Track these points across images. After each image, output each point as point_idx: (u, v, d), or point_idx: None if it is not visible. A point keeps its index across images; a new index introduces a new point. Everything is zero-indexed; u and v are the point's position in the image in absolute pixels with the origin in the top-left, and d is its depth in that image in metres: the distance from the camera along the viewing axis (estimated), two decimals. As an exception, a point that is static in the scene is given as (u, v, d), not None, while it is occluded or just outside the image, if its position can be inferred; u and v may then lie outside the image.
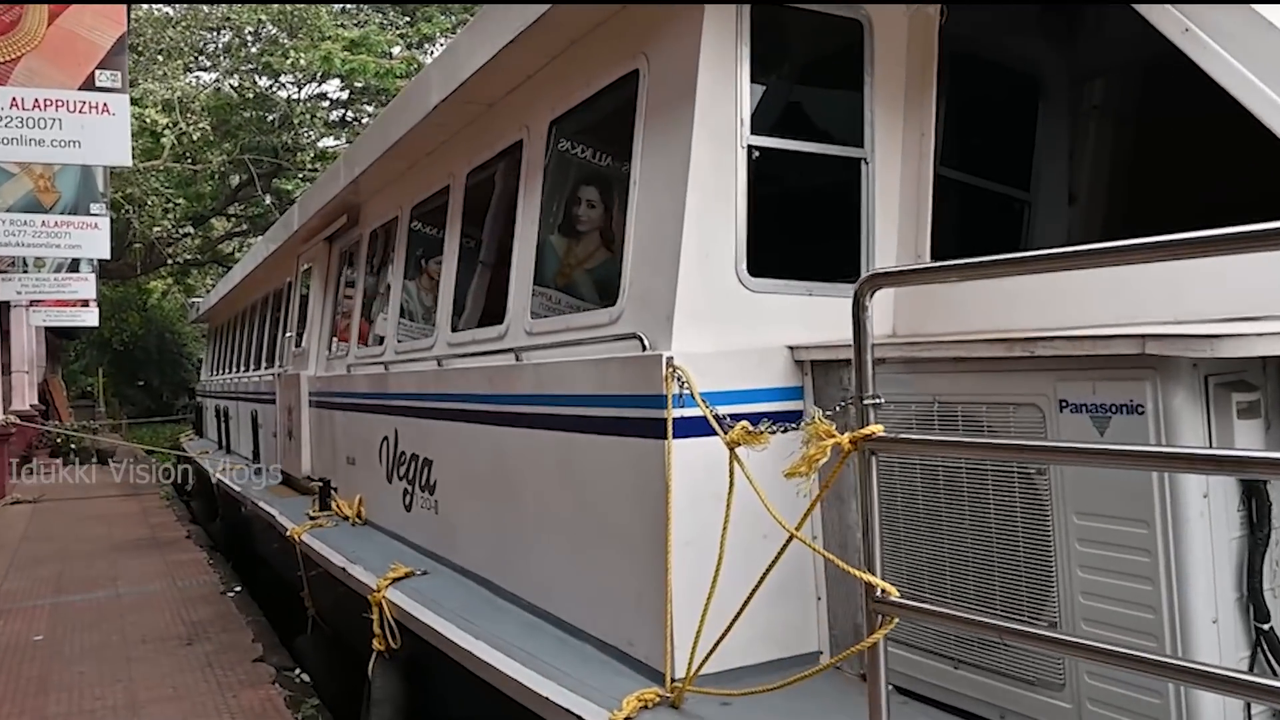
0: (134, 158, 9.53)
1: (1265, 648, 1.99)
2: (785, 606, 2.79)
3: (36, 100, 5.86)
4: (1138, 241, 1.48)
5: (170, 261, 25.41)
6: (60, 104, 5.91)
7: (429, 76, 4.54)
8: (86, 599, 6.69)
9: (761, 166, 2.90)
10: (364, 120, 21.78)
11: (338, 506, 6.05)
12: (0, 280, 14.07)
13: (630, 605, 2.86)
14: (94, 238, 9.88)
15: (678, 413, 2.64)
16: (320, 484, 6.33)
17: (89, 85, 6.00)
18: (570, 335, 3.38)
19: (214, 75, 21.85)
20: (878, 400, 1.92)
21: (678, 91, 2.90)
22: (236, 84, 21.53)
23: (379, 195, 6.14)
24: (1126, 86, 3.37)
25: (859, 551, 2.75)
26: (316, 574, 5.41)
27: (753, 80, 2.89)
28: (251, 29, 20.37)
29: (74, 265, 14.55)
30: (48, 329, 19.41)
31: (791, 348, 2.86)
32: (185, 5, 19.22)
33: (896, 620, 1.91)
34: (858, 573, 1.92)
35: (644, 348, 2.85)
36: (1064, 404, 2.08)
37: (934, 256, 2.98)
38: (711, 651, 2.45)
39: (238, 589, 7.09)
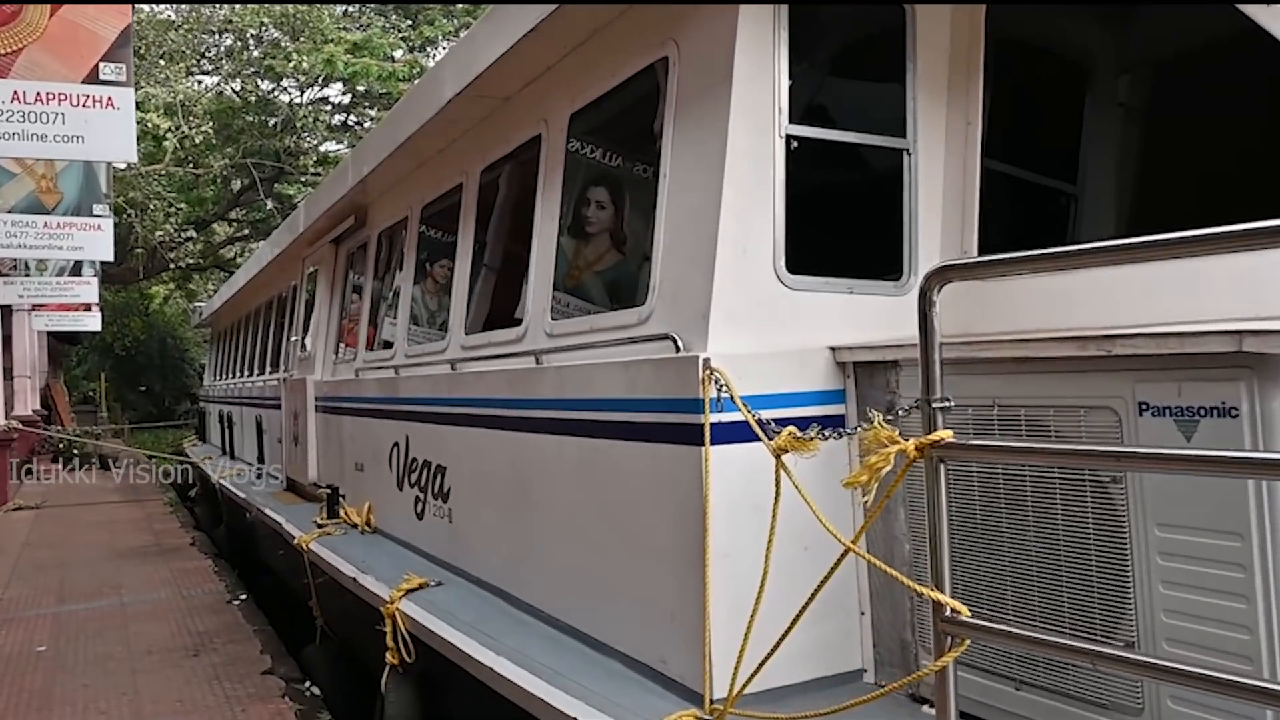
0: (137, 158, 9.38)
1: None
2: (826, 622, 2.64)
3: (38, 94, 5.68)
4: (1238, 228, 1.35)
5: (172, 266, 25.31)
6: (63, 97, 5.73)
7: (442, 70, 4.39)
8: (90, 608, 6.54)
9: (800, 157, 2.76)
10: (366, 125, 21.69)
11: (346, 514, 5.90)
12: (2, 284, 13.93)
13: (662, 620, 2.71)
14: (97, 239, 9.73)
15: (715, 418, 2.49)
16: (328, 491, 6.18)
17: (92, 78, 5.81)
18: (594, 337, 3.23)
19: (216, 79, 21.77)
20: (948, 403, 1.78)
21: (712, 78, 2.75)
22: (239, 88, 21.44)
23: (388, 195, 6.00)
24: (1182, 74, 3.22)
25: (906, 564, 2.62)
26: (325, 583, 5.26)
27: (790, 66, 2.74)
28: (254, 32, 20.28)
29: (76, 269, 14.41)
30: (50, 334, 19.26)
31: (833, 348, 2.71)
32: (189, 7, 19.12)
33: (968, 642, 1.76)
34: (927, 591, 1.77)
35: (677, 349, 2.70)
36: (1144, 406, 1.93)
37: (981, 252, 2.83)
38: (756, 671, 2.29)
39: (243, 597, 6.94)
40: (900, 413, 1.94)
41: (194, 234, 24.31)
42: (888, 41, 2.91)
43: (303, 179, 22.35)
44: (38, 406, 17.85)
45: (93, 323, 17.14)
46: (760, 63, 2.71)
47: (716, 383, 2.48)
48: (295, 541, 5.66)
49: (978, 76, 2.89)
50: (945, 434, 1.77)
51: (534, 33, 3.38)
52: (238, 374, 12.27)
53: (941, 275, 1.79)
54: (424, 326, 5.24)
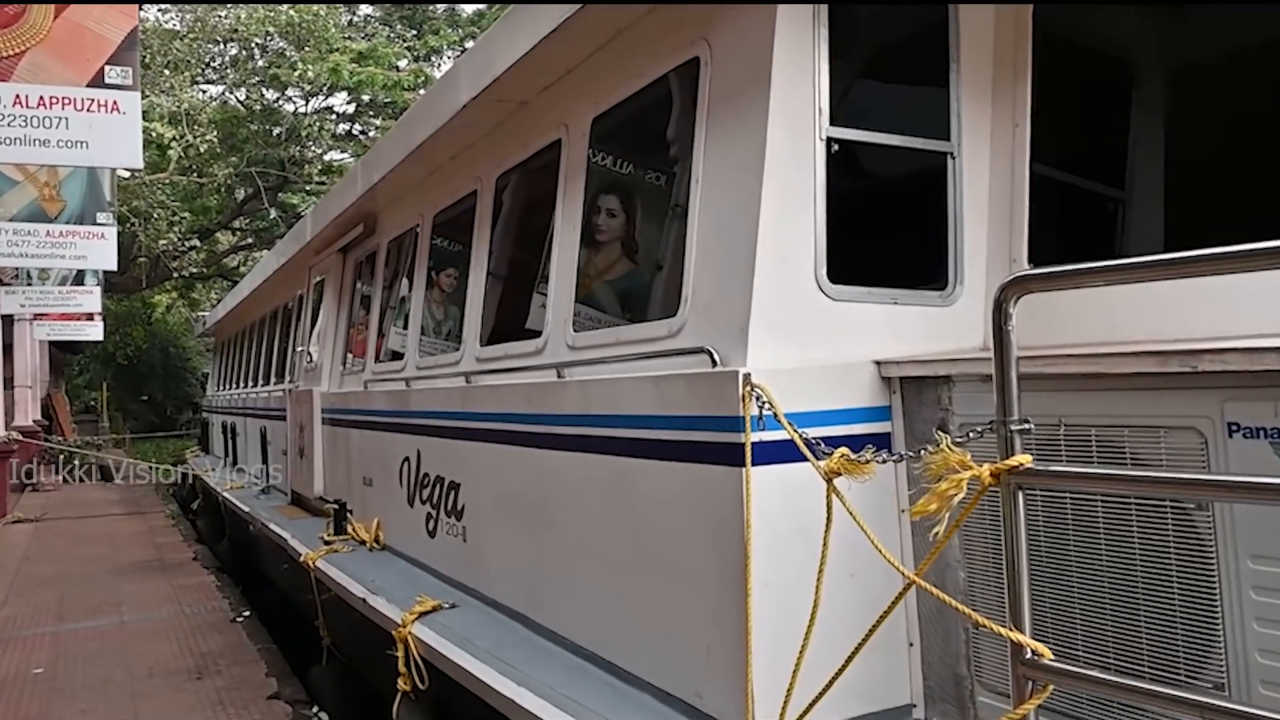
0: (142, 164, 9.28)
1: None
2: (872, 653, 2.44)
3: (42, 98, 5.52)
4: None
5: (175, 275, 25.23)
6: (67, 101, 5.57)
7: (458, 73, 4.25)
8: (90, 627, 6.37)
9: (841, 161, 2.61)
10: (371, 134, 21.63)
11: (354, 530, 5.74)
12: (4, 293, 13.80)
13: (698, 651, 2.55)
14: (100, 248, 9.60)
15: (756, 436, 2.34)
16: (336, 506, 6.02)
17: (98, 82, 5.66)
18: (621, 350, 3.08)
19: (221, 88, 21.73)
20: (1027, 425, 1.63)
21: (749, 78, 2.61)
22: (243, 97, 21.39)
23: (398, 202, 5.86)
24: (1235, 74, 3.08)
25: (960, 593, 2.46)
26: (331, 600, 5.10)
27: (830, 66, 2.60)
28: (259, 41, 20.24)
29: (79, 278, 14.30)
30: (51, 343, 19.14)
31: (878, 362, 2.56)
32: (193, 16, 19.08)
33: (1050, 688, 1.60)
34: (1006, 631, 1.61)
35: (714, 363, 2.55)
36: (1234, 428, 1.78)
37: (1031, 261, 2.69)
38: (808, 710, 2.13)
39: (247, 614, 6.78)
40: (972, 435, 1.79)
41: (197, 243, 24.23)
42: (930, 41, 2.77)
43: (307, 188, 22.29)
44: (38, 416, 17.70)
45: (95, 332, 17.04)
46: (800, 62, 2.57)
47: (758, 399, 2.33)
48: (302, 559, 5.50)
49: (1025, 77, 2.74)
50: (1025, 459, 1.62)
51: (555, 33, 3.24)
52: (242, 384, 12.13)
53: (1019, 286, 1.64)
54: (436, 338, 5.09)
